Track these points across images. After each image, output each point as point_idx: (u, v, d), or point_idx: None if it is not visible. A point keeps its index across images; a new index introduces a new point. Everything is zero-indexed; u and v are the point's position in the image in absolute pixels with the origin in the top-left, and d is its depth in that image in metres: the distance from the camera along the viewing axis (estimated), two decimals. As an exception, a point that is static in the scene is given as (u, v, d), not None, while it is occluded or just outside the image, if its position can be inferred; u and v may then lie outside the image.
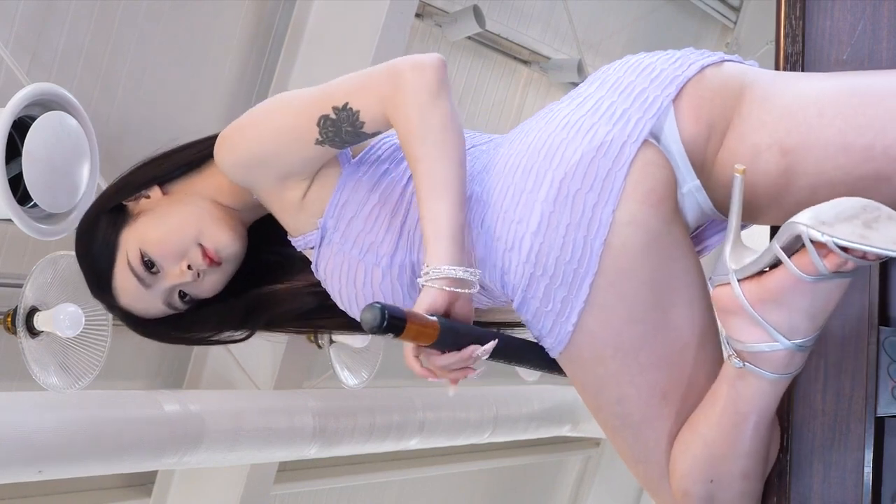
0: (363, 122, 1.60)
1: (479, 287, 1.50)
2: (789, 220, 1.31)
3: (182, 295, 1.77)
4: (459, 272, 1.47)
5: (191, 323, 1.82)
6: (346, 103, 1.60)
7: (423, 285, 1.48)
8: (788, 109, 1.47)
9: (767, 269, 1.38)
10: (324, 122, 1.61)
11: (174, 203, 1.78)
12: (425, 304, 1.46)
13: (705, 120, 1.51)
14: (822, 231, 1.28)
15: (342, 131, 1.61)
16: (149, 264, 1.75)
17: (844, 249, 1.28)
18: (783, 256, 1.33)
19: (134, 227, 1.78)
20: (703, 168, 1.52)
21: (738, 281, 1.39)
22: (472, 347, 1.47)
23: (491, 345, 1.48)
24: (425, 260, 1.50)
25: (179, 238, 1.74)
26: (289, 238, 1.74)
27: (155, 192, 1.80)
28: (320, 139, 1.62)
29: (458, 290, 1.47)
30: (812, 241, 1.29)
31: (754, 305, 1.38)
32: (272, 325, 1.85)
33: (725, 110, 1.51)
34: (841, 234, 1.27)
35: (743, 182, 1.40)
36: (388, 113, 1.58)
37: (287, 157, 1.66)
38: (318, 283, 1.77)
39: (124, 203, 1.81)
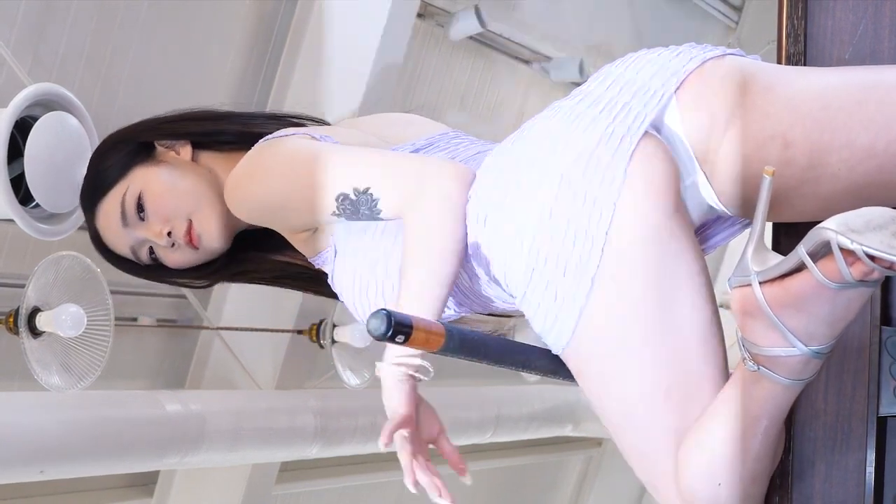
0: (381, 210, 1.62)
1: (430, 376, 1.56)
2: (817, 226, 1.31)
3: (151, 251, 1.82)
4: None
5: (155, 270, 1.87)
6: (368, 188, 1.62)
7: (381, 367, 1.55)
8: (792, 102, 1.46)
9: (788, 273, 1.37)
10: (342, 199, 1.64)
11: (194, 172, 1.82)
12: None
13: (707, 111, 1.51)
14: (851, 238, 1.27)
15: (360, 212, 1.64)
16: (139, 208, 1.80)
17: (872, 258, 1.28)
18: (809, 262, 1.32)
19: (149, 169, 1.82)
20: (706, 160, 1.52)
21: (760, 283, 1.39)
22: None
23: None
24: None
25: (176, 203, 1.79)
26: (310, 260, 1.76)
27: (186, 150, 1.84)
28: (337, 213, 1.65)
29: (418, 375, 1.54)
30: (840, 249, 1.29)
31: (774, 309, 1.37)
32: (235, 279, 1.90)
33: (728, 101, 1.51)
34: (870, 243, 1.27)
35: (771, 184, 1.39)
36: (403, 212, 1.60)
37: (300, 217, 1.69)
38: (289, 259, 1.83)
39: (156, 144, 1.83)
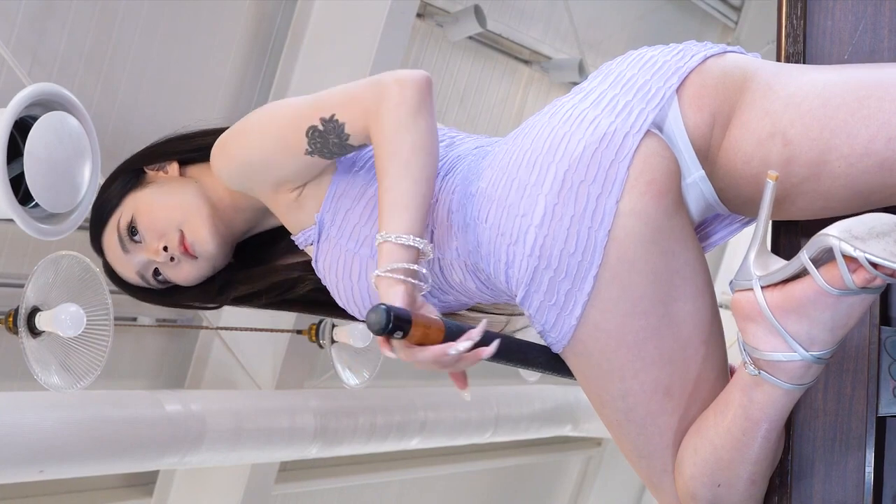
0: (349, 135, 1.63)
1: (428, 280, 1.52)
2: (819, 233, 1.31)
3: (156, 273, 1.83)
4: (419, 242, 1.51)
5: (168, 294, 1.89)
6: (334, 115, 1.63)
7: (377, 276, 1.50)
8: (792, 99, 1.46)
9: (790, 278, 1.37)
10: (312, 132, 1.64)
11: (180, 185, 1.83)
12: (390, 299, 1.47)
13: (709, 109, 1.51)
14: (854, 246, 1.27)
15: (329, 143, 1.64)
16: (132, 231, 1.82)
17: (874, 266, 1.28)
18: (811, 268, 1.32)
19: (139, 193, 1.84)
20: (707, 157, 1.52)
21: (762, 288, 1.38)
22: (444, 346, 1.45)
23: (465, 344, 1.45)
24: (380, 228, 1.53)
25: (165, 217, 1.80)
26: (292, 238, 1.76)
27: (173, 167, 1.86)
28: (309, 150, 1.65)
29: (413, 280, 1.49)
30: (843, 256, 1.29)
31: (776, 314, 1.37)
32: (240, 302, 1.90)
33: (729, 99, 1.51)
34: (873, 251, 1.26)
35: (775, 188, 1.39)
36: (369, 126, 1.60)
37: (279, 166, 1.69)
38: (294, 267, 1.83)
39: (145, 169, 1.87)
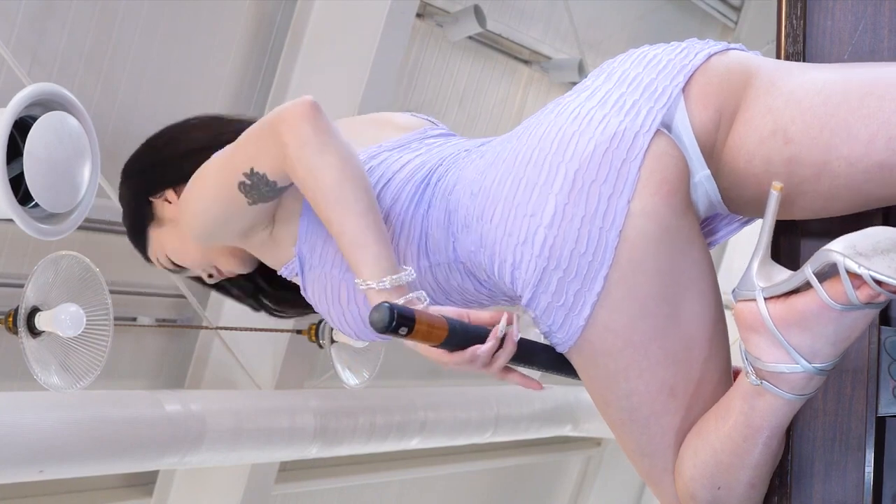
0: (274, 182, 1.64)
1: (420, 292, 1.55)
2: (824, 248, 1.30)
3: (209, 275, 1.91)
4: (398, 279, 1.54)
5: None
6: (252, 168, 1.64)
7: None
8: (794, 96, 1.46)
9: (794, 290, 1.37)
10: (243, 187, 1.66)
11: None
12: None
13: (714, 107, 1.50)
14: (858, 263, 1.27)
15: (262, 191, 1.66)
16: (176, 265, 1.89)
17: (878, 283, 1.28)
18: (815, 283, 1.32)
19: (160, 231, 1.88)
20: (711, 156, 1.51)
21: (765, 300, 1.38)
22: (472, 348, 1.47)
23: (489, 345, 1.48)
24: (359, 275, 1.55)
25: (196, 264, 1.87)
26: (278, 273, 1.78)
27: (172, 195, 1.86)
28: (250, 201, 1.68)
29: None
30: (847, 272, 1.29)
31: (778, 326, 1.37)
32: (271, 306, 1.95)
33: (733, 96, 1.50)
34: (877, 268, 1.26)
35: (779, 199, 1.39)
36: (286, 172, 1.62)
37: (234, 221, 1.72)
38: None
39: (150, 199, 1.88)
